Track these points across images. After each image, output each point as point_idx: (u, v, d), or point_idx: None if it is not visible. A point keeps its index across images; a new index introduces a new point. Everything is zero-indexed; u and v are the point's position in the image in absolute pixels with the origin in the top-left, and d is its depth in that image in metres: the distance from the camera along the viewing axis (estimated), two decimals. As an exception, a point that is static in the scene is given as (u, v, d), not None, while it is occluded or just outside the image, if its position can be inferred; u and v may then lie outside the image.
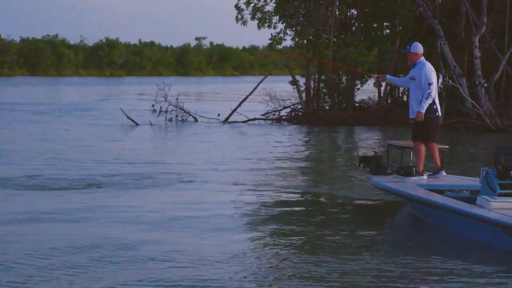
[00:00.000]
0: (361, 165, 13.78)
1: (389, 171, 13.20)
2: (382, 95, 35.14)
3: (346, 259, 9.43)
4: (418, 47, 12.76)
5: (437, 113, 12.70)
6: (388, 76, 13.67)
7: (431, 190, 11.83)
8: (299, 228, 11.58)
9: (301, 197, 14.66)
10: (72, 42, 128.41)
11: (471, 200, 10.94)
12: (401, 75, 28.25)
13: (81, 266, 8.98)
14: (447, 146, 14.27)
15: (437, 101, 12.64)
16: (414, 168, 12.79)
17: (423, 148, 12.78)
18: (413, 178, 12.55)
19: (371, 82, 34.59)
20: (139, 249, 10.14)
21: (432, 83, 12.46)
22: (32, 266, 9.19)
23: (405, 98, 36.73)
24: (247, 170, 18.34)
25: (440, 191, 11.77)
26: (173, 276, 8.52)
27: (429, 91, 12.39)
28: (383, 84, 13.68)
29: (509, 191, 10.69)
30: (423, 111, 12.45)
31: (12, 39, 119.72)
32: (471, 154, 22.24)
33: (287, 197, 14.52)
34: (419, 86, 12.50)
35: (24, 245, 10.25)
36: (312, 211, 13.08)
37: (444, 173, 12.84)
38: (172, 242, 10.36)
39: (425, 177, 12.67)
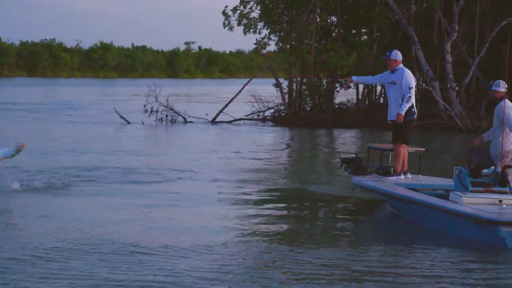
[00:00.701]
0: (343, 166, 13.76)
1: (369, 171, 13.19)
2: (360, 97, 35.19)
3: (325, 248, 9.51)
4: (398, 55, 12.77)
5: (414, 116, 12.72)
6: (354, 78, 13.72)
7: (408, 188, 11.87)
8: (279, 220, 11.59)
9: (282, 193, 14.64)
10: (68, 45, 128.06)
11: (445, 198, 11.00)
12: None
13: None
14: (423, 149, 14.27)
15: (414, 104, 12.65)
16: (392, 168, 12.77)
17: (402, 149, 12.74)
18: (391, 177, 12.54)
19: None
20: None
21: (412, 87, 12.52)
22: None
23: (381, 101, 36.87)
24: (231, 167, 18.23)
25: (416, 190, 11.80)
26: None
27: (409, 95, 12.43)
28: (352, 85, 13.69)
29: (480, 188, 10.75)
30: (403, 113, 12.45)
31: (12, 42, 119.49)
32: (443, 153, 22.31)
33: (267, 193, 14.50)
34: (399, 91, 12.47)
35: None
36: (294, 205, 13.10)
37: (409, 176, 12.84)
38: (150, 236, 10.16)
39: (402, 177, 12.65)
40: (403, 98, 12.43)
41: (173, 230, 10.74)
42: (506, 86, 11.63)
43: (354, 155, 14.40)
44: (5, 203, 13.06)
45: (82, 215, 11.96)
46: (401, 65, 12.72)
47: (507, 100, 11.47)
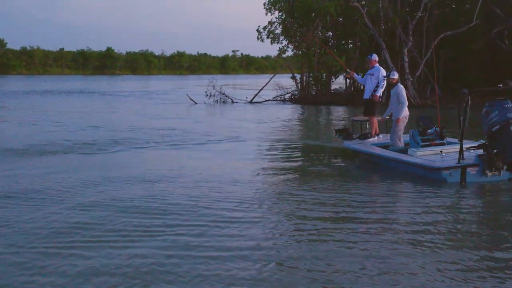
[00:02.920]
0: (337, 135, 13.64)
1: (354, 137, 13.05)
2: (348, 85, 35.06)
3: (322, 183, 9.52)
4: (376, 57, 12.81)
5: (379, 96, 12.69)
6: (354, 74, 13.76)
7: (380, 146, 11.84)
8: (295, 163, 11.69)
9: (294, 145, 14.66)
10: (156, 53, 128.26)
11: (405, 151, 10.94)
12: (361, 74, 28.25)
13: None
14: (387, 117, 14.24)
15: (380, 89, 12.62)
16: (369, 134, 12.78)
17: (375, 119, 12.76)
18: (369, 140, 12.57)
19: (341, 76, 34.67)
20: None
21: (385, 77, 12.44)
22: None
23: (362, 88, 36.60)
24: (263, 129, 18.23)
25: (386, 146, 11.76)
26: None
27: (384, 83, 12.43)
28: (349, 76, 13.78)
29: (427, 143, 10.81)
30: (379, 95, 12.51)
31: (121, 52, 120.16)
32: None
33: (287, 144, 14.50)
34: (375, 80, 12.45)
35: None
36: (303, 154, 13.18)
37: (381, 136, 12.77)
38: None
39: (376, 138, 12.62)
40: (377, 85, 12.41)
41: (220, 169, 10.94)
42: (397, 74, 12.13)
43: (344, 126, 14.22)
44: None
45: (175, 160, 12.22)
46: (377, 64, 12.75)
47: (400, 84, 11.87)
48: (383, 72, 12.58)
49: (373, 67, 12.65)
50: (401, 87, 11.73)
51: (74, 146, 13.84)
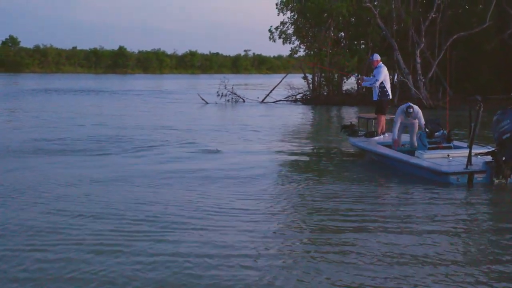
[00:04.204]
0: (343, 131, 13.72)
1: (360, 134, 13.14)
2: (359, 86, 35.06)
3: (328, 181, 9.66)
4: (377, 56, 12.83)
5: (389, 96, 12.70)
6: (365, 78, 13.74)
7: (385, 145, 11.84)
8: (304, 161, 11.82)
9: (306, 142, 14.85)
10: (168, 52, 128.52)
11: (410, 152, 10.97)
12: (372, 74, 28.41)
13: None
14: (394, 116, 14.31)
15: (388, 89, 12.62)
16: (375, 132, 12.83)
17: (383, 118, 12.82)
18: (374, 138, 12.59)
19: (352, 79, 34.61)
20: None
21: (378, 80, 12.42)
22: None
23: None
24: (274, 128, 18.38)
25: (391, 146, 11.75)
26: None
27: (376, 84, 12.46)
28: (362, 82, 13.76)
29: (434, 145, 10.85)
30: (389, 96, 12.60)
31: (133, 51, 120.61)
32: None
33: (297, 142, 14.54)
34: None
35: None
36: (312, 152, 13.30)
37: (386, 135, 12.76)
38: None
39: (382, 136, 12.65)
40: (383, 86, 12.42)
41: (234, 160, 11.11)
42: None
43: (350, 123, 14.27)
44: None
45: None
46: (381, 63, 12.69)
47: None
48: (382, 73, 12.47)
49: (376, 67, 12.66)
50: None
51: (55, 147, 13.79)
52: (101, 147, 13.69)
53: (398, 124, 11.61)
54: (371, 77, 12.88)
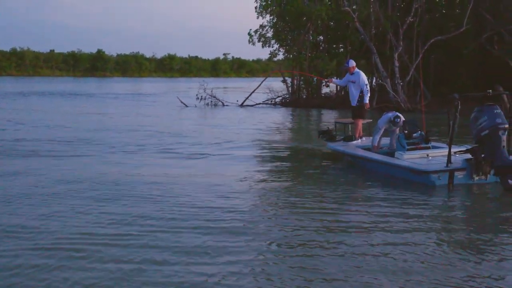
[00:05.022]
0: (320, 136, 13.68)
1: (337, 139, 13.11)
2: (338, 89, 35.22)
3: (305, 184, 9.59)
4: (353, 62, 12.81)
5: (367, 101, 12.69)
6: (333, 80, 13.66)
7: (364, 148, 11.86)
8: (281, 167, 11.70)
9: (285, 146, 14.72)
10: (147, 56, 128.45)
11: (390, 154, 11.00)
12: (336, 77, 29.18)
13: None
14: (371, 120, 14.27)
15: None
16: (353, 136, 12.83)
17: (360, 123, 12.86)
18: (352, 142, 12.60)
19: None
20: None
21: (367, 84, 12.61)
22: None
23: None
24: (252, 131, 18.28)
25: (370, 149, 11.76)
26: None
27: (367, 89, 12.52)
28: (331, 84, 13.69)
29: (413, 146, 10.86)
30: (367, 102, 12.57)
31: (111, 54, 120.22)
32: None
33: (275, 146, 14.51)
34: (357, 86, 12.48)
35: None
36: (289, 158, 13.22)
37: (364, 138, 12.82)
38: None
39: (359, 140, 12.69)
40: (362, 91, 12.46)
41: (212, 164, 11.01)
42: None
43: (327, 128, 14.20)
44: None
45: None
46: (357, 68, 12.72)
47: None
48: (364, 78, 12.57)
49: (353, 73, 12.65)
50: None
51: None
52: (70, 149, 13.56)
53: (381, 132, 11.62)
54: (349, 83, 12.79)
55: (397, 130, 11.57)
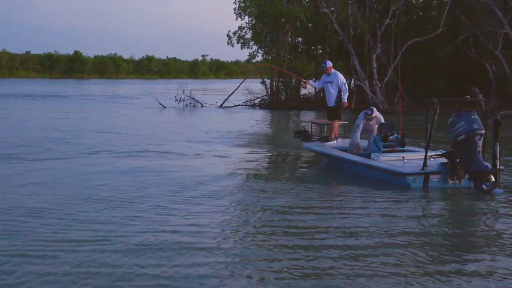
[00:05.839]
0: (296, 136, 13.75)
1: (313, 140, 13.18)
2: (316, 91, 35.39)
3: (281, 186, 9.65)
4: (329, 63, 12.91)
5: (342, 102, 12.82)
6: (310, 82, 13.65)
7: (340, 149, 11.96)
8: (261, 165, 11.80)
9: (261, 149, 14.73)
10: (125, 57, 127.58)
11: (366, 155, 11.08)
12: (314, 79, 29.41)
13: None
14: (347, 122, 14.36)
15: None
16: (329, 137, 12.91)
17: (336, 124, 12.95)
18: (329, 143, 12.70)
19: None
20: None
21: (345, 83, 12.70)
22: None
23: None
24: (230, 133, 18.28)
25: (346, 150, 11.85)
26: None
27: (345, 88, 12.62)
28: (308, 86, 13.74)
29: (388, 149, 10.98)
30: (346, 101, 12.68)
31: (89, 56, 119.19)
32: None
33: (254, 146, 14.61)
34: (335, 86, 12.57)
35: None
36: (268, 156, 13.26)
37: (339, 140, 12.95)
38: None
39: (335, 141, 12.78)
40: (340, 91, 12.57)
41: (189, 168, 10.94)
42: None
43: (303, 128, 14.27)
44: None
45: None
46: (333, 69, 12.83)
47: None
48: (342, 77, 12.68)
49: (330, 73, 12.73)
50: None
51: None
52: (41, 151, 13.37)
53: (360, 129, 11.73)
54: (326, 84, 12.86)
55: (375, 128, 11.68)
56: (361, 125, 11.71)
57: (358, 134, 11.72)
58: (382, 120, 11.78)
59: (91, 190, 8.98)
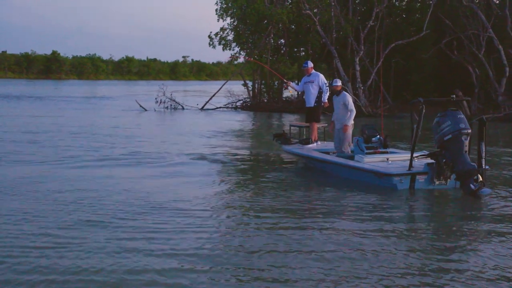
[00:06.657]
0: (275, 139, 13.67)
1: (293, 142, 13.09)
2: (299, 93, 35.34)
3: (265, 191, 9.41)
4: (311, 64, 12.90)
5: (322, 104, 12.73)
6: (291, 83, 13.57)
7: (322, 152, 11.92)
8: (240, 167, 11.61)
9: (242, 151, 14.62)
10: (104, 58, 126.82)
11: (347, 157, 11.05)
12: (296, 81, 29.33)
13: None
14: (326, 124, 14.31)
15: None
16: (310, 139, 12.83)
17: (315, 126, 12.87)
18: (309, 145, 12.63)
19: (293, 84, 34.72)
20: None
21: (326, 83, 12.62)
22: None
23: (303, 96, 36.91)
24: (211, 136, 18.10)
25: (327, 153, 11.85)
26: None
27: (326, 88, 12.55)
28: (289, 87, 13.68)
29: (371, 150, 10.93)
30: (326, 100, 12.61)
31: (67, 56, 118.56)
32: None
33: (235, 149, 14.44)
34: (316, 86, 12.51)
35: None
36: (248, 159, 13.10)
37: (319, 143, 12.91)
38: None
39: (315, 144, 12.73)
40: (321, 92, 12.52)
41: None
42: (340, 82, 12.02)
43: (282, 131, 14.20)
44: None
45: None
46: (313, 70, 12.82)
47: (345, 92, 11.84)
48: (323, 77, 12.64)
49: (310, 74, 12.70)
50: (347, 94, 11.79)
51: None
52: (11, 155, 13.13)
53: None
54: (306, 84, 12.77)
55: (350, 128, 11.62)
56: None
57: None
58: (348, 98, 11.56)
59: (40, 195, 8.77)
